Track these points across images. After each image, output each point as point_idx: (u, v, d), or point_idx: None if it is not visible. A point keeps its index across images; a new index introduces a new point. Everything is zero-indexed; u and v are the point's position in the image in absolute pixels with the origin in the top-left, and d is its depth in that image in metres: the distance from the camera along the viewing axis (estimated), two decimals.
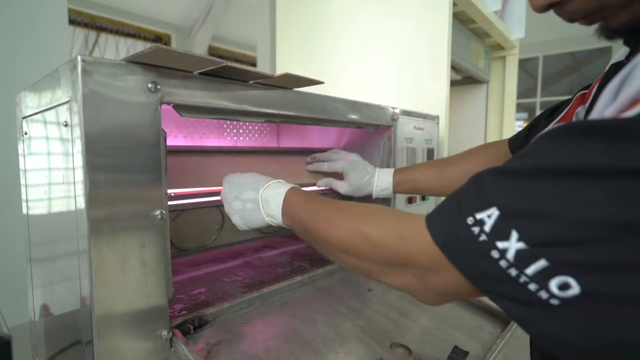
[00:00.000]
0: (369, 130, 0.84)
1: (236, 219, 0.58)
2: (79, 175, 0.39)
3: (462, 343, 0.60)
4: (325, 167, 0.83)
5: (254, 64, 4.63)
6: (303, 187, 0.83)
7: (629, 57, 0.43)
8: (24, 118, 0.56)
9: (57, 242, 0.49)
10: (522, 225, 0.27)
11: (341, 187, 0.81)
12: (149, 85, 0.43)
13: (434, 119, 0.99)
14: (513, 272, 0.27)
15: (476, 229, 0.29)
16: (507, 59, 1.72)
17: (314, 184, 0.87)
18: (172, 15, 5.26)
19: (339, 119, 0.71)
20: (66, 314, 0.48)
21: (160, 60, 0.42)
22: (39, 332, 0.60)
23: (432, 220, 0.35)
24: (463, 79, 1.61)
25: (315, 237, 0.46)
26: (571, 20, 0.40)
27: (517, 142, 0.67)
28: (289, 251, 0.90)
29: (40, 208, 0.53)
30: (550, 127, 0.31)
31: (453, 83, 1.52)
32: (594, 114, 0.31)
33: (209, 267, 0.78)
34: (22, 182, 0.58)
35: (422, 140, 0.94)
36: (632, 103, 0.26)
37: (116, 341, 0.42)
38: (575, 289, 0.25)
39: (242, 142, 0.93)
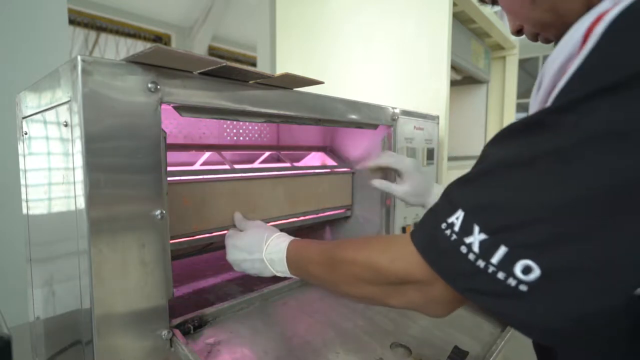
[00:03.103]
0: (369, 130, 0.84)
1: (251, 274, 0.59)
2: (79, 175, 0.39)
3: (462, 343, 0.60)
4: (392, 160, 0.78)
5: (254, 64, 4.63)
6: (313, 212, 0.84)
7: None
8: (24, 118, 0.56)
9: (57, 242, 0.49)
10: (480, 218, 0.31)
11: (399, 189, 0.77)
12: (149, 85, 0.43)
13: (434, 119, 0.99)
14: (481, 263, 0.30)
15: (448, 232, 0.33)
16: (507, 59, 1.72)
17: (323, 208, 0.86)
18: (172, 15, 5.26)
19: (339, 119, 0.70)
20: (66, 314, 0.48)
21: (160, 60, 0.42)
22: (39, 332, 0.60)
23: (415, 233, 0.38)
24: (463, 79, 1.61)
25: (322, 280, 0.49)
26: (531, 40, 0.49)
27: None
28: None
29: (40, 208, 0.53)
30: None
31: (453, 83, 1.52)
32: (529, 111, 0.36)
33: (209, 267, 0.78)
34: (22, 182, 0.58)
35: (422, 140, 0.94)
36: (545, 101, 0.31)
37: (116, 341, 0.42)
38: (536, 270, 0.28)
39: (242, 142, 0.93)
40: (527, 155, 0.30)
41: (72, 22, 4.47)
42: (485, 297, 0.31)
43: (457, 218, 0.33)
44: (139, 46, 5.12)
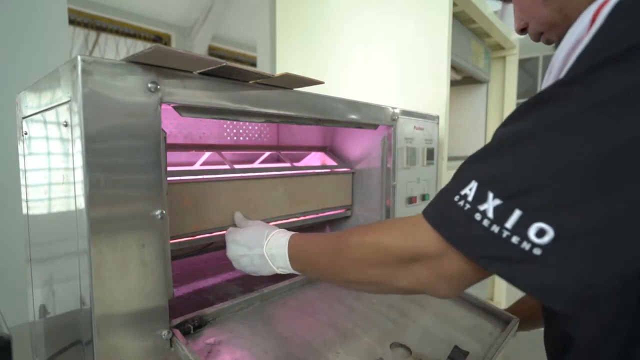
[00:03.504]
0: (369, 130, 0.84)
1: (248, 271, 0.59)
2: (79, 175, 0.39)
3: (462, 343, 0.60)
4: None
5: (254, 64, 4.62)
6: (313, 212, 0.83)
7: None
8: (24, 118, 0.56)
9: (57, 242, 0.49)
10: (495, 186, 0.32)
11: None
12: (149, 85, 0.43)
13: (434, 119, 0.99)
14: (495, 228, 0.31)
15: (462, 203, 0.34)
16: (507, 59, 1.72)
17: (323, 208, 0.86)
18: (172, 15, 5.26)
19: (339, 119, 0.70)
20: (66, 314, 0.48)
21: (160, 60, 0.42)
22: (39, 332, 0.60)
23: (426, 210, 0.39)
24: (463, 79, 1.61)
25: (325, 269, 0.48)
26: (534, 40, 0.50)
27: None
28: None
29: (40, 208, 0.53)
30: None
31: (453, 83, 1.52)
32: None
33: (209, 267, 0.78)
34: (22, 182, 0.58)
35: (422, 140, 0.94)
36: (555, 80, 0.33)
37: (116, 341, 0.42)
38: (550, 233, 0.29)
39: (242, 142, 0.93)
40: (538, 125, 0.31)
41: (72, 22, 4.47)
42: (498, 263, 0.32)
43: (470, 189, 0.34)
44: (139, 46, 5.12)
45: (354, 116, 0.73)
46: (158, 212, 0.44)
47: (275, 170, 0.76)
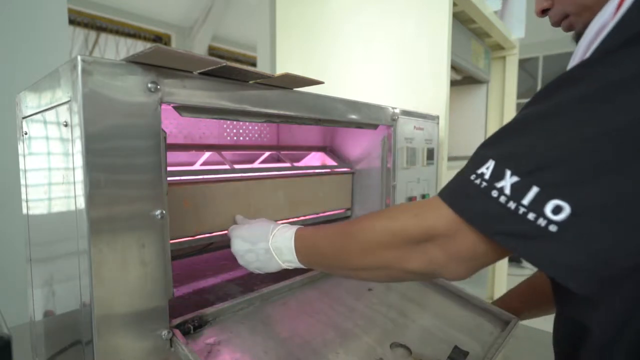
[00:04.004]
0: (369, 130, 0.84)
1: (252, 268, 0.58)
2: (79, 175, 0.39)
3: (462, 343, 0.60)
4: None
5: (254, 64, 4.62)
6: (313, 213, 0.83)
7: None
8: (24, 118, 0.56)
9: (57, 242, 0.49)
10: (512, 163, 0.32)
11: None
12: (149, 85, 0.43)
13: (434, 119, 0.99)
14: (512, 205, 0.31)
15: (478, 181, 0.34)
16: (507, 59, 1.72)
17: (324, 211, 0.86)
18: (172, 15, 5.26)
19: (339, 119, 0.70)
20: (66, 314, 0.48)
21: (160, 60, 0.42)
22: (39, 332, 0.60)
23: (443, 190, 0.39)
24: (463, 79, 1.61)
25: (332, 256, 0.48)
26: (554, 24, 0.49)
27: None
28: None
29: (40, 208, 0.53)
30: None
31: (453, 83, 1.52)
32: None
33: (209, 267, 0.78)
34: (22, 182, 0.58)
35: (422, 140, 0.94)
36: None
37: (116, 341, 0.42)
38: (566, 209, 0.29)
39: (242, 142, 0.93)
40: (556, 104, 0.31)
41: (72, 22, 4.47)
42: (514, 239, 0.32)
43: (487, 168, 0.34)
44: (139, 46, 5.12)
45: (354, 116, 0.73)
46: (158, 212, 0.44)
47: (275, 170, 0.76)
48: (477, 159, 0.36)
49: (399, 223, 0.40)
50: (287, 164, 0.84)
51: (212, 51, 5.66)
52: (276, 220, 0.76)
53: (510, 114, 1.73)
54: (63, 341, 0.51)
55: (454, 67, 1.29)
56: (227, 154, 0.85)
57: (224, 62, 0.45)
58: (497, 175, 0.33)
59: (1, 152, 0.85)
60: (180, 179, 0.60)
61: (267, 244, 0.55)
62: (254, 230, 0.58)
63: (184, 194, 0.60)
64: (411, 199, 0.92)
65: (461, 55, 1.30)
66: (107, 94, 0.40)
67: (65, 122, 0.41)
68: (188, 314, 0.52)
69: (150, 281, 0.44)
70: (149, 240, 0.44)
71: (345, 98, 0.71)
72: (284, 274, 0.71)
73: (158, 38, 5.31)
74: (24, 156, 0.57)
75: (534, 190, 0.30)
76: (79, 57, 0.38)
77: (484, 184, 0.34)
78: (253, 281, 0.72)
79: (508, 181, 0.32)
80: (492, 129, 1.74)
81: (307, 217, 0.84)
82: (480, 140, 1.62)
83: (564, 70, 0.36)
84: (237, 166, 0.74)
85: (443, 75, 1.09)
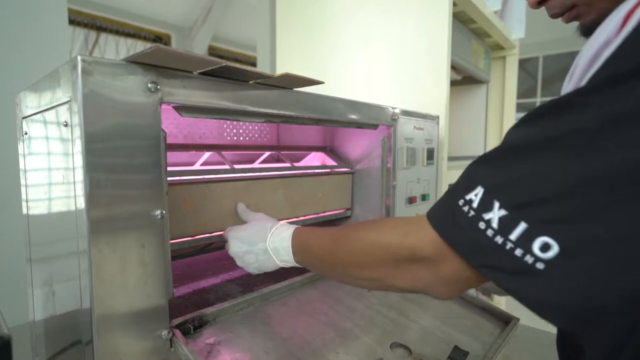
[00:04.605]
0: (369, 130, 0.84)
1: (251, 269, 0.58)
2: (79, 175, 0.39)
3: (462, 343, 0.60)
4: None
5: (254, 64, 4.63)
6: (313, 213, 0.83)
7: None
8: (24, 118, 0.56)
9: (57, 242, 0.49)
10: (501, 195, 0.31)
11: None
12: (149, 85, 0.43)
13: (434, 119, 0.99)
14: (499, 239, 0.31)
15: (466, 208, 0.33)
16: (507, 59, 1.72)
17: (324, 211, 0.86)
18: (172, 15, 5.26)
19: (339, 119, 0.70)
20: (66, 314, 0.48)
21: (160, 60, 0.42)
22: (39, 332, 0.60)
23: (430, 211, 0.39)
24: (463, 79, 1.61)
25: (327, 263, 0.48)
26: (553, 16, 0.45)
27: None
28: None
29: (40, 208, 0.53)
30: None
31: (453, 83, 1.52)
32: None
33: (209, 267, 0.78)
34: (22, 182, 0.58)
35: (422, 140, 0.94)
36: (578, 85, 0.31)
37: (116, 341, 0.42)
38: (554, 248, 0.28)
39: (242, 142, 0.93)
40: (552, 134, 0.30)
41: (72, 22, 4.47)
42: (500, 274, 0.31)
43: (475, 195, 0.33)
44: (139, 46, 5.12)
45: (354, 116, 0.73)
46: (158, 212, 0.44)
47: (275, 170, 0.76)
48: (467, 182, 0.35)
49: (387, 241, 0.40)
50: (287, 164, 0.84)
51: (212, 51, 5.66)
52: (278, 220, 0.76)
53: (510, 114, 1.73)
54: (63, 341, 0.51)
55: (454, 67, 1.29)
56: (227, 154, 0.85)
57: (224, 62, 0.45)
58: (485, 205, 0.32)
59: (1, 152, 0.85)
60: (180, 179, 0.60)
61: (265, 244, 0.55)
62: (251, 231, 0.57)
63: (184, 194, 0.60)
64: (411, 199, 0.92)
65: (461, 55, 1.30)
66: (107, 94, 0.40)
67: (65, 122, 0.41)
68: (188, 314, 0.52)
69: (150, 281, 0.44)
70: (149, 240, 0.44)
71: (345, 98, 0.71)
72: (283, 274, 0.71)
73: (158, 38, 5.31)
74: (24, 156, 0.57)
75: (522, 226, 0.29)
76: (79, 57, 0.38)
77: (472, 212, 0.33)
78: (253, 281, 0.72)
79: (496, 214, 0.31)
80: (492, 129, 1.74)
81: (307, 217, 0.84)
82: (480, 140, 1.63)
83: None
84: (237, 166, 0.74)
85: (443, 75, 1.09)
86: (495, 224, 0.31)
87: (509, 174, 0.32)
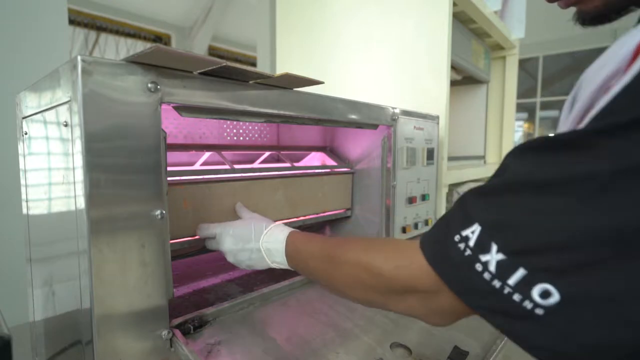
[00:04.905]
0: (369, 130, 0.84)
1: (244, 266, 0.58)
2: (79, 175, 0.39)
3: (462, 343, 0.60)
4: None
5: (254, 64, 4.63)
6: (314, 214, 0.83)
7: None
8: (24, 118, 0.56)
9: (57, 242, 0.49)
10: (500, 237, 0.29)
11: None
12: (149, 85, 0.43)
13: (434, 119, 0.99)
14: (497, 283, 0.29)
15: (462, 245, 0.32)
16: (507, 59, 1.72)
17: (324, 211, 0.86)
18: (172, 15, 5.26)
19: (339, 119, 0.70)
20: (66, 314, 0.48)
21: (160, 60, 0.42)
22: (39, 332, 0.60)
23: (425, 242, 0.37)
24: (463, 79, 1.61)
25: (320, 277, 0.48)
26: (564, 4, 0.42)
27: None
28: None
29: (40, 208, 0.53)
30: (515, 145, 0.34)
31: (453, 83, 1.52)
32: (558, 128, 0.34)
33: (209, 267, 0.78)
34: (22, 182, 0.58)
35: (422, 140, 0.94)
36: (581, 119, 0.29)
37: (116, 341, 0.42)
38: (555, 295, 0.27)
39: (242, 142, 0.93)
40: (557, 176, 0.28)
41: (72, 22, 4.47)
42: (497, 316, 0.30)
43: (472, 232, 0.31)
44: (139, 46, 5.12)
45: (354, 116, 0.73)
46: (158, 212, 0.44)
47: (275, 170, 0.76)
48: (463, 217, 0.33)
49: (380, 269, 0.40)
50: (287, 164, 0.84)
51: (212, 51, 5.66)
52: (276, 220, 0.76)
53: (510, 114, 1.73)
54: (63, 341, 0.51)
55: (454, 67, 1.29)
56: (227, 154, 0.85)
57: (224, 62, 0.45)
58: (482, 246, 0.30)
59: (1, 152, 0.85)
60: (180, 179, 0.60)
61: (259, 243, 0.55)
62: (246, 228, 0.57)
63: (184, 194, 0.60)
64: (411, 199, 0.92)
65: (461, 55, 1.30)
66: (107, 94, 0.40)
67: (65, 122, 0.41)
68: (188, 314, 0.52)
69: (150, 281, 0.44)
70: (149, 240, 0.44)
71: (345, 98, 0.71)
72: (283, 274, 0.71)
73: (158, 38, 5.31)
74: (24, 156, 0.57)
75: (521, 271, 0.28)
76: (79, 57, 0.38)
77: (468, 251, 0.31)
78: (253, 281, 0.72)
79: (494, 257, 0.29)
80: (492, 129, 1.74)
81: (307, 217, 0.84)
82: (480, 140, 1.63)
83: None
84: (237, 166, 0.74)
85: (443, 75, 1.09)
86: (492, 268, 0.30)
87: (508, 214, 0.30)
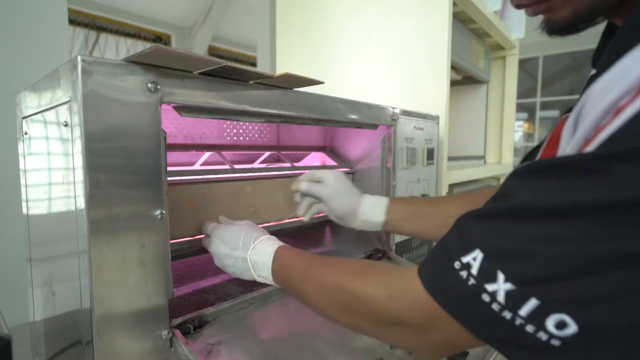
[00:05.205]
0: (369, 130, 0.84)
1: (229, 272, 0.57)
2: (79, 175, 0.39)
3: None
4: (302, 187, 0.70)
5: (254, 64, 4.63)
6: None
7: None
8: (24, 118, 0.56)
9: (57, 242, 0.49)
10: (506, 266, 0.28)
11: (328, 214, 0.72)
12: (149, 85, 0.43)
13: (434, 119, 0.99)
14: (507, 314, 0.27)
15: (464, 273, 0.30)
16: (507, 59, 1.72)
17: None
18: (172, 15, 5.26)
19: (339, 119, 0.70)
20: (66, 314, 0.48)
21: (160, 60, 0.42)
22: (39, 332, 0.60)
23: (423, 269, 0.35)
24: (463, 79, 1.61)
25: (308, 299, 0.46)
26: (519, 6, 0.41)
27: None
28: None
29: (40, 208, 0.53)
30: (518, 165, 0.33)
31: (453, 83, 1.52)
32: (559, 150, 0.32)
33: (209, 267, 0.78)
34: (22, 182, 0.58)
35: (422, 140, 0.94)
36: (588, 140, 0.27)
37: (116, 341, 0.42)
38: (572, 326, 0.25)
39: (242, 142, 0.93)
40: (569, 202, 0.26)
41: (72, 22, 4.47)
42: (510, 348, 0.29)
43: (473, 259, 0.29)
44: (139, 46, 5.12)
45: (354, 116, 0.73)
46: (158, 212, 0.44)
47: (275, 170, 0.76)
48: (462, 242, 0.31)
49: (372, 299, 0.37)
50: (287, 164, 0.84)
51: (212, 51, 5.66)
52: (277, 220, 0.76)
53: (510, 114, 1.73)
54: (63, 341, 0.51)
55: (454, 67, 1.29)
56: (227, 154, 0.85)
57: (224, 62, 0.45)
58: (487, 274, 0.28)
59: (1, 152, 0.85)
60: (181, 179, 0.60)
61: (246, 253, 0.53)
62: (236, 235, 0.55)
63: (184, 194, 0.60)
64: None
65: (461, 55, 1.30)
66: (107, 94, 0.40)
67: (65, 122, 0.41)
68: (188, 314, 0.52)
69: (150, 281, 0.44)
70: (149, 240, 0.44)
71: (345, 98, 0.71)
72: None
73: (158, 38, 5.31)
74: (24, 156, 0.57)
75: (533, 302, 0.26)
76: (79, 57, 0.38)
77: (472, 280, 0.29)
78: (253, 281, 0.72)
79: (501, 287, 0.27)
80: (492, 129, 1.74)
81: None
82: (480, 140, 1.63)
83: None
84: (237, 166, 0.74)
85: (443, 75, 1.09)
86: (501, 298, 0.27)
87: (514, 242, 0.28)
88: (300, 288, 0.47)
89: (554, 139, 0.58)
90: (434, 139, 0.99)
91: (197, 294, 0.67)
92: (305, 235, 0.93)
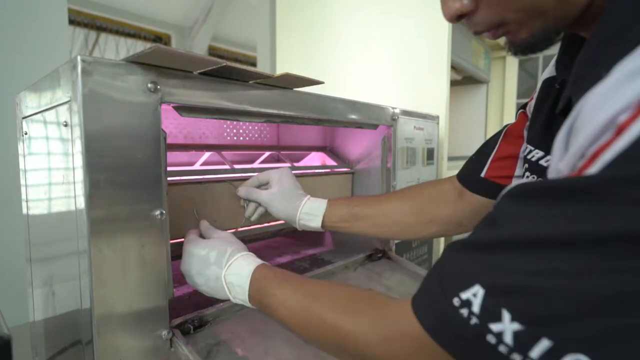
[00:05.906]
0: (369, 130, 0.84)
1: (201, 290, 0.53)
2: (79, 175, 0.39)
3: None
4: (241, 193, 0.67)
5: (254, 64, 4.63)
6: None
7: (561, 83, 0.44)
8: (24, 118, 0.56)
9: (57, 242, 0.49)
10: (511, 303, 0.25)
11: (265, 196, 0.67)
12: (149, 85, 0.43)
13: (434, 119, 0.99)
14: (517, 357, 0.25)
15: (464, 311, 0.27)
16: (507, 59, 1.72)
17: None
18: (172, 15, 5.26)
19: (339, 119, 0.70)
20: (66, 314, 0.48)
21: (160, 60, 0.42)
22: (39, 332, 0.60)
23: (418, 304, 0.32)
24: (463, 79, 1.61)
25: (293, 329, 0.44)
26: (476, 32, 0.40)
27: (471, 179, 0.62)
28: (289, 251, 0.90)
29: (40, 208, 0.53)
30: (512, 185, 0.29)
31: (453, 83, 1.52)
32: (551, 169, 0.30)
33: None
34: (22, 182, 0.58)
35: (422, 140, 0.94)
36: (589, 159, 0.25)
37: (116, 341, 0.42)
38: None
39: (242, 142, 0.93)
40: (577, 231, 0.24)
41: (72, 22, 4.47)
42: None
43: (474, 295, 0.27)
44: (139, 46, 5.12)
45: (354, 116, 0.73)
46: (158, 212, 0.44)
47: None
48: (459, 276, 0.29)
49: (363, 341, 0.35)
50: (287, 164, 0.84)
51: (212, 51, 5.66)
52: (275, 220, 0.76)
53: (510, 114, 1.73)
54: (63, 341, 0.51)
55: (454, 67, 1.29)
56: (227, 154, 0.85)
57: (224, 62, 0.45)
58: (491, 313, 0.26)
59: (1, 152, 0.85)
60: (180, 179, 0.60)
61: (221, 271, 0.49)
62: (208, 251, 0.51)
63: (184, 194, 0.60)
64: None
65: (461, 55, 1.30)
66: (107, 94, 0.40)
67: (65, 122, 0.41)
68: (188, 314, 0.52)
69: (150, 281, 0.44)
70: (149, 240, 0.44)
71: (345, 98, 0.71)
72: None
73: (158, 38, 5.31)
74: (24, 156, 0.57)
75: (545, 343, 0.24)
76: (78, 57, 0.38)
77: (474, 319, 0.26)
78: None
79: (508, 327, 0.25)
80: (492, 129, 1.74)
81: None
82: (480, 140, 1.63)
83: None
84: (237, 166, 0.74)
85: (443, 75, 1.09)
86: (509, 340, 0.25)
87: (518, 277, 0.25)
88: (283, 318, 0.44)
89: (512, 134, 0.58)
90: (434, 139, 0.99)
91: (197, 294, 0.67)
92: (305, 236, 0.93)
